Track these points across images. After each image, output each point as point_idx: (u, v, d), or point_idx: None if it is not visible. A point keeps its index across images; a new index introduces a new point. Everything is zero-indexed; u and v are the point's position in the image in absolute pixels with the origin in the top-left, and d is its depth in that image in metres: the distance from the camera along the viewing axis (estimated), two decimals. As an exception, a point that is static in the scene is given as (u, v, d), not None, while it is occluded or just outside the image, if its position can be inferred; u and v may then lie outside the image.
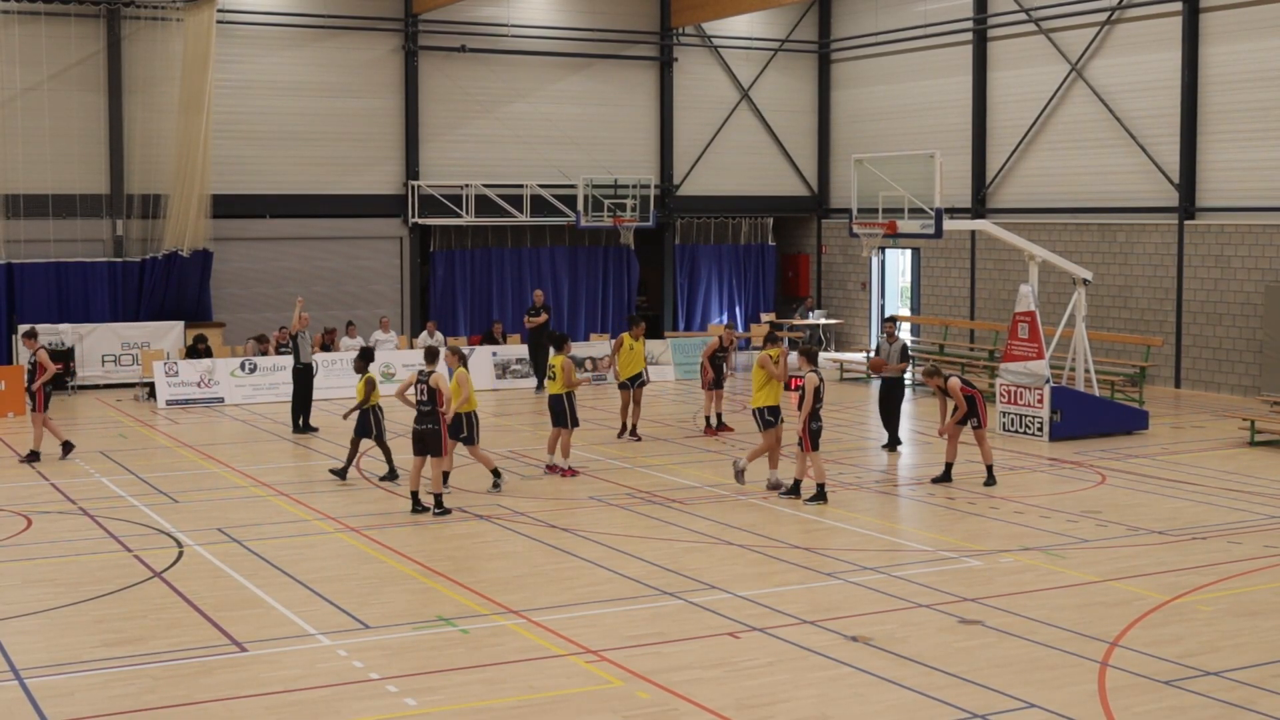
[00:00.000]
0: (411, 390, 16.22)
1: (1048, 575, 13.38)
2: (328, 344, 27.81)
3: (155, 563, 13.90)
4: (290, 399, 22.97)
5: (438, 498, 16.10)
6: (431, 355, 16.41)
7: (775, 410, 17.38)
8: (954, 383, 17.79)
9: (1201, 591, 12.85)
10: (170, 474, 18.88)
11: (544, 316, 27.78)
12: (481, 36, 32.15)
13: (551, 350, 19.36)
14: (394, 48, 31.39)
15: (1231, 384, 26.40)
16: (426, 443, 15.92)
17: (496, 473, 17.48)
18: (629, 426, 21.67)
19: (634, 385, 21.74)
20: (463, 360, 17.53)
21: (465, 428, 17.09)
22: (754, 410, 17.57)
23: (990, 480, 17.77)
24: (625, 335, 22.06)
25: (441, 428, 15.93)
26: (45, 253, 28.28)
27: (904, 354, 20.79)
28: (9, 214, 28.02)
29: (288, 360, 24.01)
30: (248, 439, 22.33)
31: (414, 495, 16.23)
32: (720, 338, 22.43)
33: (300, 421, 22.53)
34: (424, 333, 29.28)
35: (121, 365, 27.73)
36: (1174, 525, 15.58)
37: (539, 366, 27.23)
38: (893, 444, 20.49)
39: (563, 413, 18.45)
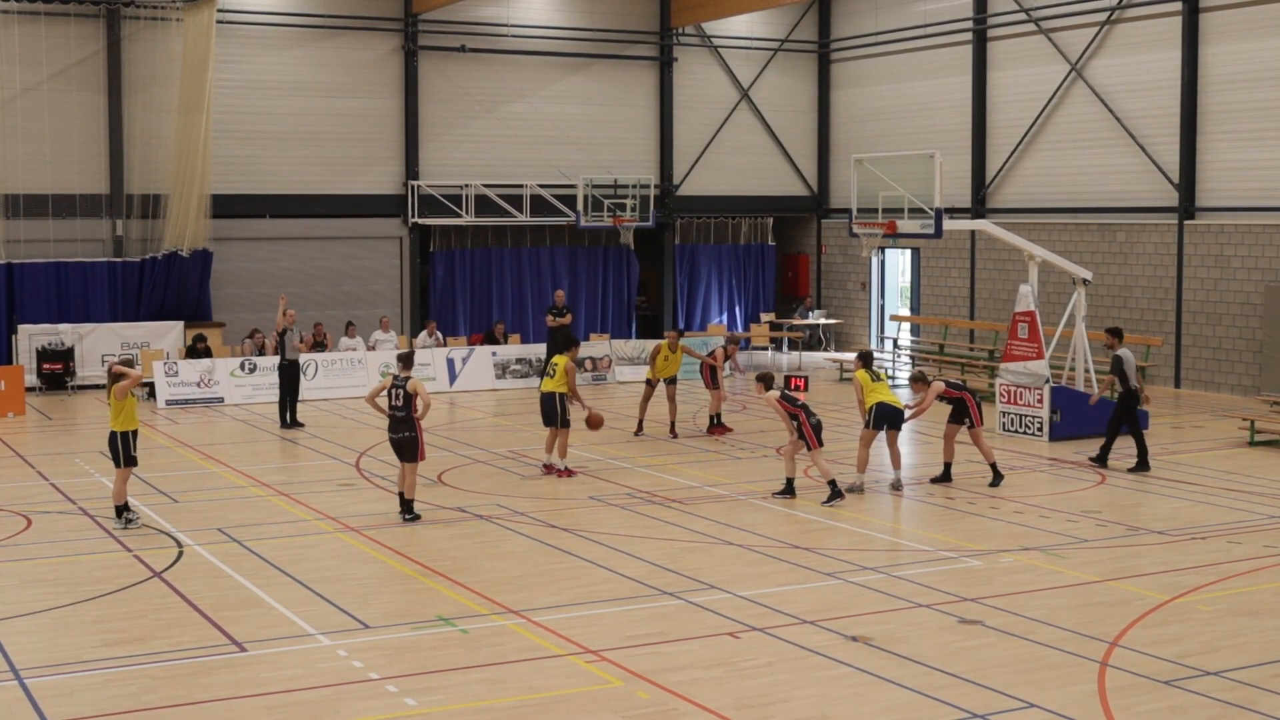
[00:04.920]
0: (383, 396, 15.83)
1: (1048, 575, 13.38)
2: (320, 341, 27.83)
3: (155, 563, 13.89)
4: (277, 395, 23.52)
5: (409, 502, 15.77)
6: (406, 360, 16.14)
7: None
8: (937, 385, 17.82)
9: (1201, 591, 12.85)
10: (170, 474, 18.88)
11: (568, 317, 27.81)
12: (481, 36, 32.15)
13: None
14: (394, 48, 31.39)
15: (1231, 384, 26.40)
16: (405, 450, 15.66)
17: (125, 508, 15.52)
18: (665, 425, 21.79)
19: (665, 381, 21.92)
20: (115, 379, 15.43)
21: (124, 447, 15.36)
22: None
23: (996, 479, 17.69)
24: (663, 344, 22.12)
25: (418, 433, 15.63)
26: (45, 253, 28.28)
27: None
28: (9, 214, 28.02)
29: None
30: (247, 439, 22.34)
31: (401, 498, 15.92)
32: (725, 349, 22.47)
33: (287, 417, 22.84)
34: (423, 332, 29.30)
35: (121, 365, 27.71)
36: (1174, 525, 15.58)
37: None
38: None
39: (553, 412, 18.36)
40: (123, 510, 15.44)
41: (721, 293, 35.73)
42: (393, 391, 15.76)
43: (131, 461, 15.44)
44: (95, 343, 27.57)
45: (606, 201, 31.99)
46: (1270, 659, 10.86)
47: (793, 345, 34.33)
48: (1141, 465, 18.82)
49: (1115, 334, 19.88)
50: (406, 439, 15.65)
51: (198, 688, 10.21)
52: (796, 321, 35.04)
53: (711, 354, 22.22)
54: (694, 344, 29.01)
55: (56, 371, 26.96)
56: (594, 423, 18.81)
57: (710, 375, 22.05)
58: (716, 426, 22.08)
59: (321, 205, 30.87)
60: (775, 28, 35.42)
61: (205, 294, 29.20)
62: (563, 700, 9.96)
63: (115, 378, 15.45)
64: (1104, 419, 21.73)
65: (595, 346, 29.30)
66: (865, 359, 18.04)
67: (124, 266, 28.69)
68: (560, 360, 18.55)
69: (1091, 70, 29.04)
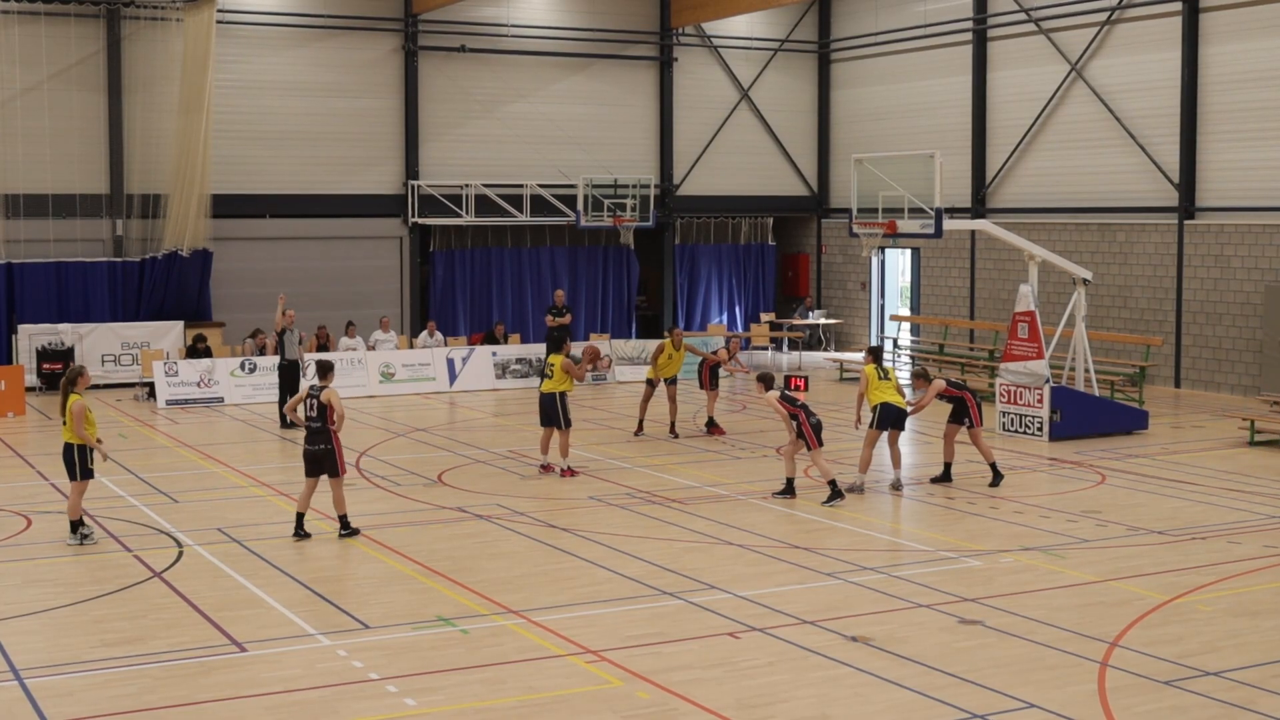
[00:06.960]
0: (301, 408, 15.15)
1: (1048, 575, 13.38)
2: (322, 344, 27.84)
3: (155, 563, 13.90)
4: (277, 395, 23.50)
5: (343, 518, 15.18)
6: (323, 370, 15.21)
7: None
8: (938, 383, 17.81)
9: (1201, 591, 12.85)
10: (170, 474, 18.89)
11: (568, 317, 27.84)
12: (481, 36, 32.15)
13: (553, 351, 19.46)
14: (394, 48, 31.40)
15: (1231, 384, 26.40)
16: (322, 464, 14.85)
17: (80, 523, 14.88)
18: (665, 425, 21.80)
19: (666, 381, 21.91)
20: (72, 384, 14.83)
21: (80, 460, 14.75)
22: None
23: (996, 479, 17.67)
24: (666, 343, 22.07)
25: (335, 446, 14.90)
26: (45, 253, 28.29)
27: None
28: (9, 214, 28.03)
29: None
30: (247, 439, 22.34)
31: (299, 517, 15.05)
32: (723, 350, 22.48)
33: (287, 418, 22.90)
34: (424, 333, 29.31)
35: (121, 365, 27.74)
36: (1174, 525, 15.58)
37: None
38: None
39: (554, 412, 18.39)
40: (78, 526, 14.79)
41: (721, 293, 35.74)
42: (308, 402, 14.91)
43: (88, 474, 14.89)
44: (95, 343, 27.58)
45: (606, 201, 32.00)
46: (1270, 659, 10.86)
47: (793, 345, 34.33)
48: None
49: None
50: (323, 451, 14.81)
51: (198, 688, 10.21)
52: (796, 321, 35.04)
53: (715, 352, 22.24)
54: (694, 344, 29.07)
55: (56, 371, 26.89)
56: (591, 353, 19.43)
57: (710, 375, 22.06)
58: (715, 427, 22.10)
59: (321, 205, 30.87)
60: (775, 28, 35.42)
61: (205, 294, 29.21)
62: (563, 700, 9.96)
63: (72, 381, 14.82)
64: (1104, 420, 21.78)
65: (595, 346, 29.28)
66: (875, 354, 18.03)
67: (124, 266, 28.69)
68: (557, 360, 18.59)
69: (1091, 70, 29.04)
